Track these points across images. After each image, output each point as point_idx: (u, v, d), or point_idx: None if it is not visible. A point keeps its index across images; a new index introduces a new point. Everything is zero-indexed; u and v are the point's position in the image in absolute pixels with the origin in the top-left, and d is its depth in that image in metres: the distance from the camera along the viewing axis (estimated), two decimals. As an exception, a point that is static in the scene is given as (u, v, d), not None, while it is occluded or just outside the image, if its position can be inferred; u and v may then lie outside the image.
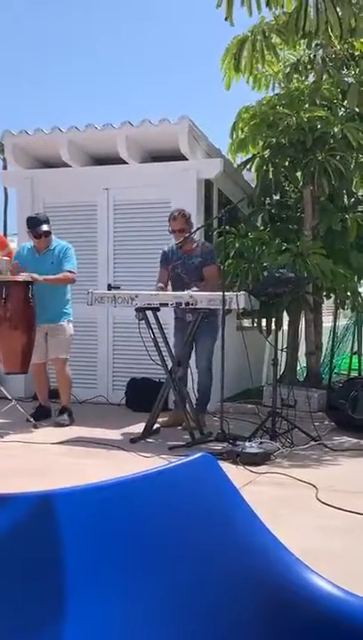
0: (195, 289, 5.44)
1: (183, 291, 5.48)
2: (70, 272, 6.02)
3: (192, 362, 5.88)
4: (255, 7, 6.37)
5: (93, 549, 1.38)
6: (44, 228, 6.04)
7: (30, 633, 1.27)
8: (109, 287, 5.66)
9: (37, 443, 5.31)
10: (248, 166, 7.17)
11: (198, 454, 1.55)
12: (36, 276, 5.81)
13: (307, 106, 6.58)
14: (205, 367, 5.83)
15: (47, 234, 6.06)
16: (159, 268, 5.96)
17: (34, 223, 6.05)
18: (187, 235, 5.71)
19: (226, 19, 6.38)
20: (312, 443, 5.24)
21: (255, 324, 7.01)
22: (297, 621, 1.29)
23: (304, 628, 1.28)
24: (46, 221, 6.09)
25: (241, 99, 7.48)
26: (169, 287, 5.87)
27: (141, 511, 1.43)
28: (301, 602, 1.30)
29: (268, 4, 6.47)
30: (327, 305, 8.08)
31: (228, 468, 4.19)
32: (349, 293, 6.84)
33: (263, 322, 7.00)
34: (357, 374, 8.36)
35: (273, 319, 6.46)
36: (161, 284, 5.80)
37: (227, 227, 5.70)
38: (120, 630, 1.33)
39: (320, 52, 7.21)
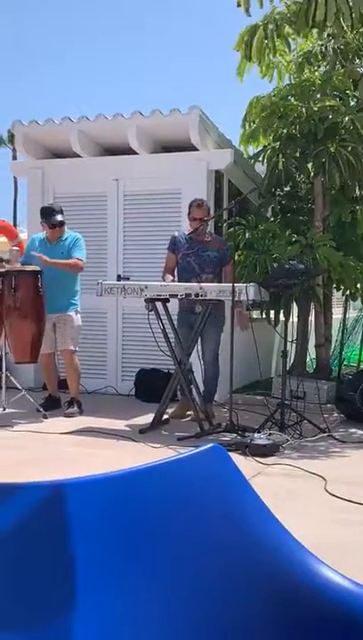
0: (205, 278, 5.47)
1: (193, 281, 5.47)
2: (79, 260, 6.02)
3: (195, 354, 5.85)
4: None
5: (101, 540, 1.37)
6: (59, 217, 6.05)
7: (38, 623, 1.28)
8: (119, 278, 5.65)
9: (47, 433, 5.32)
10: (260, 158, 7.13)
11: (209, 445, 1.54)
12: (45, 257, 5.81)
13: (318, 96, 6.54)
14: (212, 360, 5.82)
15: (62, 224, 6.07)
16: (167, 253, 5.91)
17: (48, 213, 6.06)
18: (200, 225, 5.68)
19: (239, 5, 6.35)
20: (321, 434, 5.23)
21: (264, 316, 6.99)
22: (307, 613, 1.29)
23: (314, 619, 1.27)
24: (60, 212, 6.10)
25: (255, 89, 7.45)
26: (175, 274, 5.85)
27: (150, 502, 1.43)
28: (311, 594, 1.30)
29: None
30: (337, 297, 8.06)
31: (236, 459, 4.17)
32: (359, 285, 6.81)
33: (272, 313, 6.98)
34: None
35: (282, 311, 6.44)
36: (170, 276, 5.77)
37: (237, 218, 5.67)
38: (126, 621, 1.33)
39: (332, 42, 7.15)
